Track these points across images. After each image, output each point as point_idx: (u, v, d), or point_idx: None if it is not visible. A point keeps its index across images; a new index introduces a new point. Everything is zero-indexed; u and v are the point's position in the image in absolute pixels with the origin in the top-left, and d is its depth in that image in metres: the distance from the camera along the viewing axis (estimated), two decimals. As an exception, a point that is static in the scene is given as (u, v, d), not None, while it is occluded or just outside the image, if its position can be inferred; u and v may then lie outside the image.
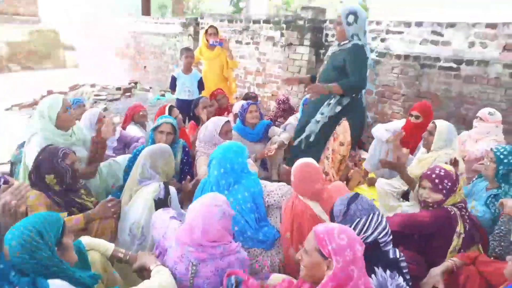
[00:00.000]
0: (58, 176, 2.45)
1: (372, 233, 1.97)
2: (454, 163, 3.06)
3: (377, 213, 2.02)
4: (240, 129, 4.15)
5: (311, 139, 3.78)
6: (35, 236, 1.47)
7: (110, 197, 2.59)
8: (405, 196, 3.61)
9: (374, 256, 1.94)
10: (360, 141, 5.27)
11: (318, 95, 3.56)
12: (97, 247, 2.01)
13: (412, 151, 4.10)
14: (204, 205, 1.94)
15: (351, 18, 3.41)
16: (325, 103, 3.67)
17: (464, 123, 4.61)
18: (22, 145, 3.66)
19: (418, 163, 3.56)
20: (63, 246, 1.57)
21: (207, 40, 5.43)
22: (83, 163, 3.17)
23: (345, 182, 3.95)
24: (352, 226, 1.96)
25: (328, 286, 1.59)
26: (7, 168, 3.89)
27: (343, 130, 3.69)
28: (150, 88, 9.36)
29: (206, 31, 5.47)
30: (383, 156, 4.42)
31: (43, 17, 15.97)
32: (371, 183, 4.27)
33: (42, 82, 10.68)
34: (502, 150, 2.87)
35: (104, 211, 2.46)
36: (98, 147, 3.16)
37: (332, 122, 3.67)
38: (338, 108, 3.68)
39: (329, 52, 3.74)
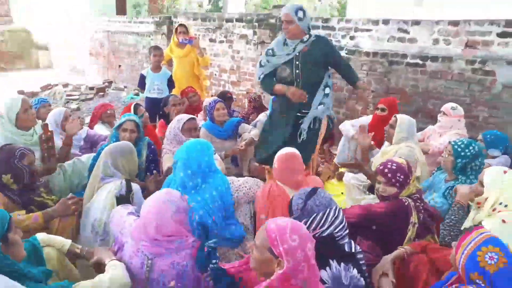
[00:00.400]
0: (15, 176, 2.44)
1: (328, 227, 2.00)
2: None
3: (334, 208, 2.04)
4: (209, 126, 4.17)
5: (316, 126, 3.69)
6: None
7: (70, 194, 2.56)
8: (372, 189, 3.69)
9: (329, 249, 1.97)
10: (333, 137, 5.32)
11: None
12: (53, 243, 2.00)
13: (380, 144, 4.20)
14: (157, 201, 1.94)
15: (300, 14, 3.43)
16: (322, 94, 3.60)
17: (431, 117, 4.71)
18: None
19: (382, 156, 3.64)
20: (9, 242, 1.56)
21: (177, 38, 5.42)
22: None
23: (315, 176, 4.01)
24: (309, 221, 1.99)
25: (277, 282, 1.61)
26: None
27: (324, 124, 3.76)
28: (125, 87, 9.27)
29: (176, 29, 5.45)
30: (352, 152, 4.52)
31: (15, 17, 15.60)
32: (341, 177, 4.32)
33: (15, 82, 10.45)
34: (459, 144, 2.94)
35: (64, 209, 2.43)
36: (45, 143, 3.08)
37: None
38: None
39: (291, 51, 3.53)
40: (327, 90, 3.63)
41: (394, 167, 2.52)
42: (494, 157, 3.64)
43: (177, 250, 1.93)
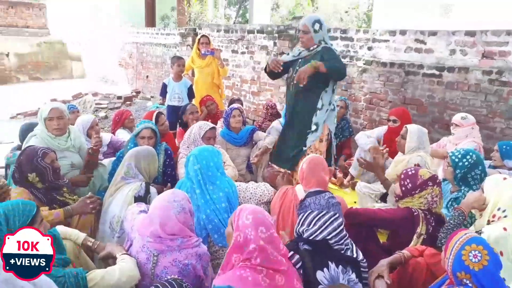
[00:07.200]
0: (40, 174, 2.63)
1: (320, 231, 2.02)
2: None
3: (330, 214, 2.04)
4: (225, 134, 4.32)
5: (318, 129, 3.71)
6: (1, 220, 1.64)
7: (90, 194, 2.74)
8: (383, 198, 3.74)
9: (327, 252, 2.04)
10: (349, 149, 5.33)
11: (306, 79, 3.39)
12: (68, 235, 2.17)
13: (394, 154, 4.23)
14: (164, 200, 2.07)
15: (317, 26, 3.56)
16: (322, 92, 3.64)
17: (447, 128, 4.68)
18: (15, 148, 3.87)
19: (395, 165, 3.69)
20: None
21: (199, 50, 5.62)
22: (77, 169, 3.36)
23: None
24: (303, 217, 2.07)
25: (228, 255, 1.84)
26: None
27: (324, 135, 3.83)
28: (152, 97, 9.60)
29: (199, 40, 5.66)
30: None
31: (51, 29, 16.42)
32: (354, 186, 4.38)
33: (49, 91, 11.00)
34: (456, 154, 2.93)
35: (82, 207, 2.61)
36: (92, 158, 3.33)
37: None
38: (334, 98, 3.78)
39: (296, 55, 3.74)
40: (319, 104, 3.66)
41: (410, 173, 2.60)
42: (510, 168, 3.61)
43: (179, 249, 2.04)
